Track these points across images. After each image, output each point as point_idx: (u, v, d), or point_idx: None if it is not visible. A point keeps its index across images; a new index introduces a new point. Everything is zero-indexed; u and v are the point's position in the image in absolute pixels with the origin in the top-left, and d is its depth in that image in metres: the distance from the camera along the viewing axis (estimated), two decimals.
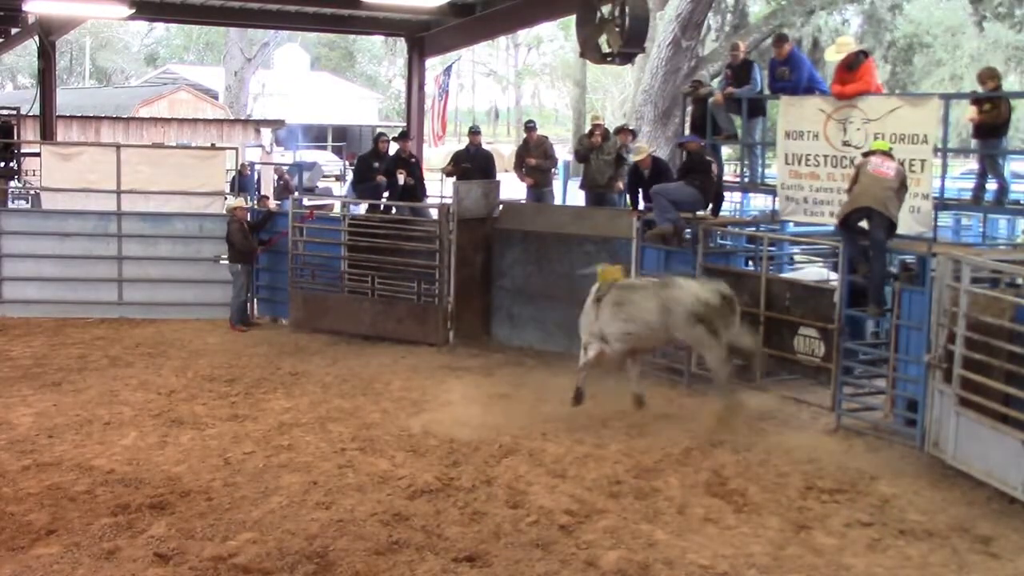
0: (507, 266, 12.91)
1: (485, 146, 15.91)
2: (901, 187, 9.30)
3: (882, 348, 9.69)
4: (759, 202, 15.40)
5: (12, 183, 16.59)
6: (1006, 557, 6.83)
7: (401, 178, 13.90)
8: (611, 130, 14.28)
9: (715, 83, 16.09)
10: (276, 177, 22.35)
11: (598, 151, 13.70)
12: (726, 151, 16.33)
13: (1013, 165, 17.24)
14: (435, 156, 23.74)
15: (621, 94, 43.70)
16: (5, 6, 16.82)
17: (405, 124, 18.90)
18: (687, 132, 12.61)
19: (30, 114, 18.09)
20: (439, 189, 15.51)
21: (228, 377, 11.05)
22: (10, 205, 16.82)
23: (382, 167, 14.12)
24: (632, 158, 12.18)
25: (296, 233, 13.48)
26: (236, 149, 20.91)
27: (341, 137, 48.31)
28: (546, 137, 15.75)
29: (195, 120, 31.07)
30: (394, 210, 13.94)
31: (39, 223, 14.17)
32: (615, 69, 32.22)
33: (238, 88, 40.28)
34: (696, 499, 7.70)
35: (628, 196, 12.63)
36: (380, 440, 8.95)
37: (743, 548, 6.85)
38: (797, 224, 12.12)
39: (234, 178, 18.18)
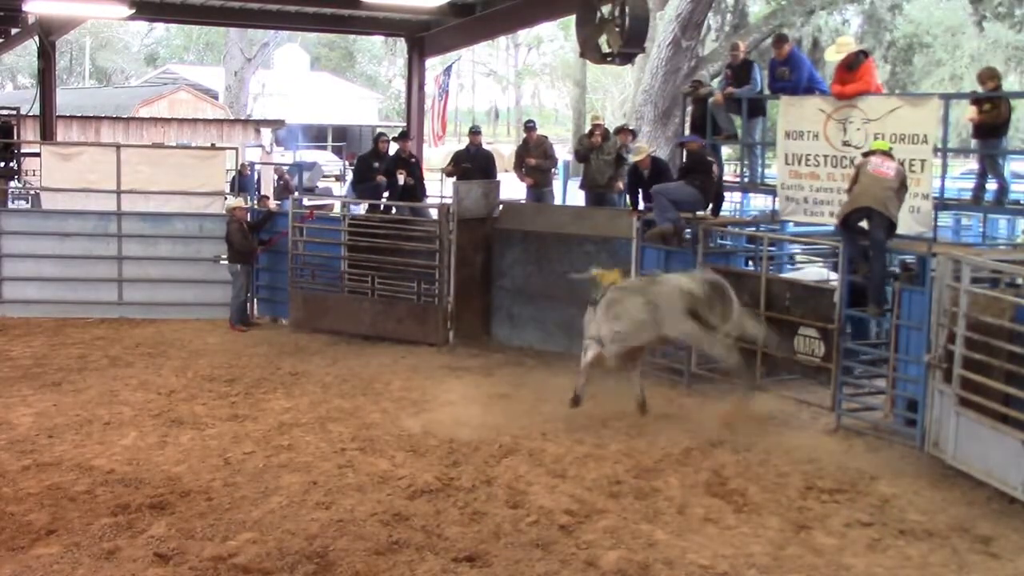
0: (507, 266, 12.91)
1: (485, 146, 15.91)
2: (901, 187, 9.30)
3: (882, 348, 9.69)
4: (759, 202, 15.39)
5: (12, 183, 16.59)
6: (1006, 557, 6.83)
7: (401, 178, 13.90)
8: (611, 130, 14.28)
9: (715, 83, 16.09)
10: (276, 177, 22.35)
11: (598, 151, 13.71)
12: (726, 151, 16.33)
13: (1013, 165, 17.24)
14: (435, 156, 23.75)
15: (621, 94, 43.71)
16: (5, 6, 16.82)
17: (405, 124, 18.90)
18: (687, 132, 12.60)
19: (30, 114, 18.10)
20: (439, 189, 15.51)
21: (228, 377, 11.05)
22: (10, 205, 16.82)
23: (382, 167, 14.12)
24: (631, 158, 12.18)
25: (296, 233, 13.48)
26: (236, 149, 20.91)
27: (341, 137, 48.30)
28: (546, 137, 15.75)
29: (195, 120, 31.07)
30: (394, 210, 13.94)
31: (39, 223, 14.16)
32: (615, 69, 32.22)
33: (238, 88, 40.28)
34: (696, 499, 7.70)
35: (628, 196, 12.63)
36: (380, 440, 8.95)
37: (743, 548, 6.85)
38: (797, 224, 12.11)
39: (234, 178, 18.19)
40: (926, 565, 6.71)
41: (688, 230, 11.15)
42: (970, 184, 11.78)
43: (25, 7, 15.77)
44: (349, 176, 22.33)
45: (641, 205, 11.90)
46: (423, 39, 17.79)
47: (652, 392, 10.03)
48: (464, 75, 55.80)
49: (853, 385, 9.83)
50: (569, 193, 20.10)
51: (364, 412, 9.85)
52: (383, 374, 11.25)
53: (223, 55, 44.02)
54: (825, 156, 10.73)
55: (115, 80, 59.26)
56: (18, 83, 57.52)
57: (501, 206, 13.31)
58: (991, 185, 10.80)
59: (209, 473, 8.06)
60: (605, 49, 12.11)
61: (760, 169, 12.59)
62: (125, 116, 29.66)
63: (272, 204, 15.32)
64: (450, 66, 25.48)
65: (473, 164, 14.24)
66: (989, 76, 10.52)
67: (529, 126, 15.44)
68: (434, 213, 13.23)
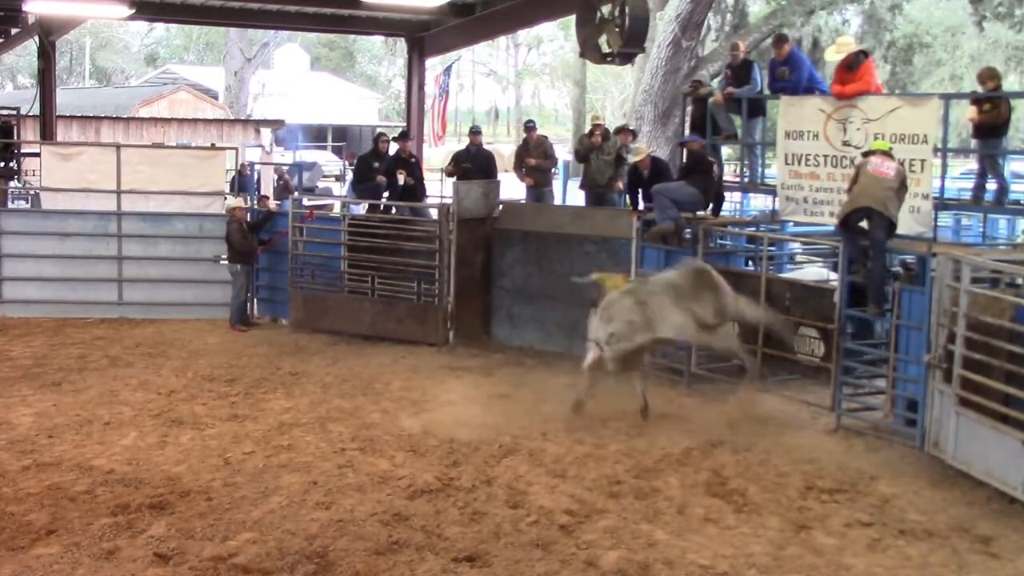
0: (507, 266, 12.91)
1: (485, 146, 15.91)
2: (901, 187, 9.30)
3: (882, 348, 9.69)
4: (759, 202, 15.41)
5: (12, 183, 16.59)
6: (1006, 557, 6.83)
7: (401, 178, 13.90)
8: (611, 130, 14.27)
9: (715, 83, 16.09)
10: (276, 177, 22.36)
11: (598, 151, 13.70)
12: (726, 151, 16.33)
13: (1013, 165, 17.25)
14: (435, 156, 23.75)
15: (621, 94, 43.66)
16: (5, 6, 16.82)
17: (405, 124, 18.90)
18: (687, 132, 12.60)
19: (30, 114, 18.10)
20: (439, 189, 15.51)
21: (228, 377, 11.05)
22: (10, 205, 16.83)
23: (382, 167, 14.12)
24: (631, 159, 12.19)
25: (296, 233, 13.48)
26: (236, 149, 20.90)
27: (341, 137, 48.30)
28: (546, 137, 15.74)
29: (195, 120, 31.08)
30: (394, 210, 13.95)
31: (39, 223, 14.16)
32: (615, 69, 32.20)
33: (238, 88, 40.28)
34: (696, 499, 7.70)
35: (628, 196, 12.63)
36: (380, 440, 8.95)
37: (743, 548, 6.85)
38: (797, 224, 12.12)
39: (234, 178, 18.19)
40: (926, 565, 6.71)
41: (688, 230, 11.16)
42: (970, 184, 11.78)
43: (25, 7, 15.77)
44: (349, 176, 22.34)
45: (641, 205, 11.91)
46: (423, 39, 17.79)
47: (652, 392, 10.00)
48: (464, 75, 55.84)
49: (853, 385, 9.83)
50: (569, 193, 20.09)
51: (364, 412, 9.85)
52: (383, 374, 11.25)
53: (223, 55, 44.02)
54: (825, 156, 10.73)
55: (115, 80, 59.27)
56: (18, 83, 57.53)
57: (501, 206, 13.31)
58: (991, 185, 10.80)
59: (209, 473, 8.06)
60: (605, 49, 12.12)
61: (760, 169, 12.60)
62: (125, 116, 29.67)
63: (272, 204, 15.32)
64: (450, 66, 25.46)
65: (473, 164, 14.24)
66: (989, 76, 10.53)
67: (529, 126, 15.44)
68: (434, 213, 13.23)
